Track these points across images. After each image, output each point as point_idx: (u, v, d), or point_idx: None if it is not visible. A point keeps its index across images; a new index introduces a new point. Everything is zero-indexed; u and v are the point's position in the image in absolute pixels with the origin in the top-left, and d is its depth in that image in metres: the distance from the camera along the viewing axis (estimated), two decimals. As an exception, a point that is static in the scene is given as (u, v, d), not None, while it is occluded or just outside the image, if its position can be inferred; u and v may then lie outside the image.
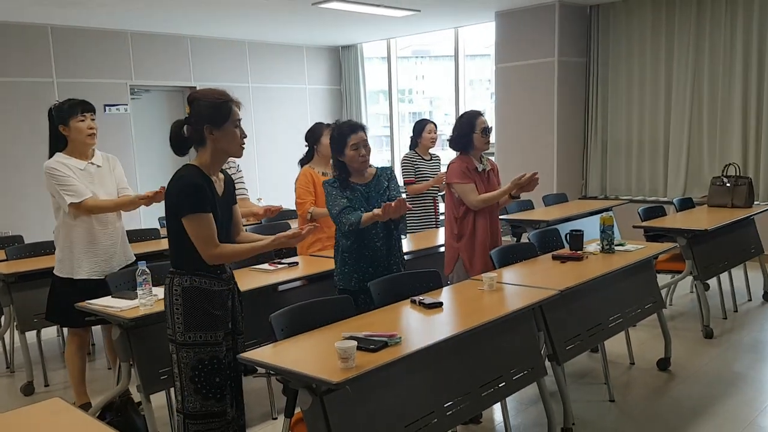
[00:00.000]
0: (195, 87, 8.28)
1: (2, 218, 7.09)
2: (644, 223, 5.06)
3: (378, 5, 6.95)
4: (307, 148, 4.48)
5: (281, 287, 3.70)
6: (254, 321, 2.93)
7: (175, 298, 2.57)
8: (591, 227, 4.84)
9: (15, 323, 4.17)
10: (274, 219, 5.10)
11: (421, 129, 5.25)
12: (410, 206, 5.26)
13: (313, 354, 2.41)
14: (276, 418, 3.63)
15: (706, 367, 4.11)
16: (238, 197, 2.91)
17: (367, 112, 10.14)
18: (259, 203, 4.90)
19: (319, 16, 7.50)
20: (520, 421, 3.49)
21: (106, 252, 3.60)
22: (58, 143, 3.54)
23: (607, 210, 5.87)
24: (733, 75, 6.89)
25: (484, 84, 9.56)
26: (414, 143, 5.31)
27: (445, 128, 8.30)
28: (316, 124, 4.50)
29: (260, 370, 2.46)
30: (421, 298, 2.95)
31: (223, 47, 8.87)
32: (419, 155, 5.27)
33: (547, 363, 3.20)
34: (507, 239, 5.14)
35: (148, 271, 3.05)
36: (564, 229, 4.37)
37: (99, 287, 3.43)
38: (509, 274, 3.49)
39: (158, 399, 3.29)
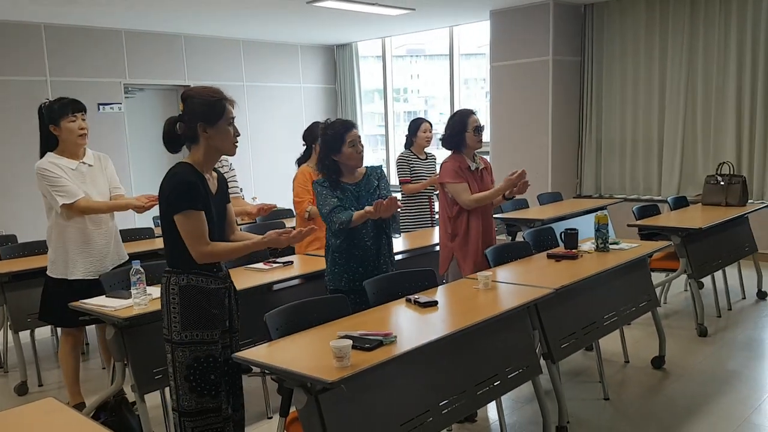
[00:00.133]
0: (189, 86, 8.20)
1: (-5, 218, 7.07)
2: (639, 222, 5.07)
3: (373, 4, 6.93)
4: (305, 147, 4.47)
5: (276, 286, 3.70)
6: (249, 320, 2.92)
7: (172, 297, 2.55)
8: (586, 226, 4.86)
9: (8, 323, 4.15)
10: (268, 218, 5.09)
11: (417, 128, 5.25)
12: (406, 205, 5.35)
13: (308, 353, 2.40)
14: (271, 418, 3.63)
15: (701, 365, 4.12)
16: (230, 196, 2.90)
17: (362, 111, 10.13)
18: (254, 202, 4.89)
19: (313, 15, 7.49)
20: (515, 419, 3.49)
21: (100, 252, 3.58)
22: (48, 142, 3.50)
23: (601, 209, 5.89)
24: (726, 74, 6.91)
25: (479, 83, 9.56)
26: (409, 142, 5.30)
27: (440, 127, 8.26)
28: (314, 123, 4.49)
29: (255, 369, 2.45)
30: (416, 297, 2.95)
31: (217, 46, 8.85)
32: (414, 154, 5.27)
33: (542, 361, 3.20)
34: (502, 238, 5.14)
35: (142, 270, 3.04)
36: (559, 227, 4.38)
37: (93, 287, 3.42)
38: (504, 273, 3.50)
39: (153, 398, 3.28)
